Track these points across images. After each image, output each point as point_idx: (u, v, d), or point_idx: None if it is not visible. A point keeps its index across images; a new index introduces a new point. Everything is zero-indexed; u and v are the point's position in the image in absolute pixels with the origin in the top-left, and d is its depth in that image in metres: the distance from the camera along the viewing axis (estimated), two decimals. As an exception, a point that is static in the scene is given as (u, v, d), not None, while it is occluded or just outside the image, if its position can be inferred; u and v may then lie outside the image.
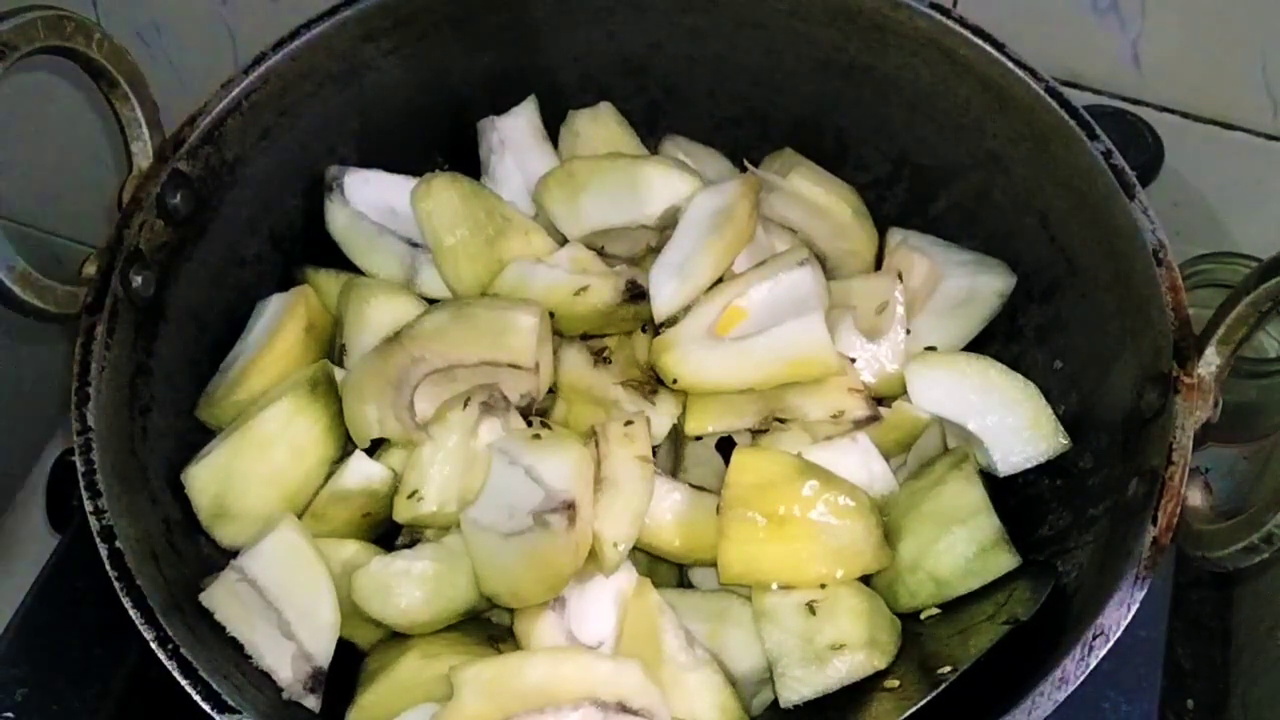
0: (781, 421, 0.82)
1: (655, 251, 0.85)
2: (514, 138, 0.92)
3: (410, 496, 0.78)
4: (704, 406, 0.82)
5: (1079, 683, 0.65)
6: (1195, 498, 0.68)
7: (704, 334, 0.82)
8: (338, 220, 0.90)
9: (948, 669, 0.71)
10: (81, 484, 0.71)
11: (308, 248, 0.91)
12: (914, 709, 0.70)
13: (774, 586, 0.76)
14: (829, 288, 0.88)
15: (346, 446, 0.82)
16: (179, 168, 0.80)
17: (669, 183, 0.86)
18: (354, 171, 0.90)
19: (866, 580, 0.79)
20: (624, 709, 0.70)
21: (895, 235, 0.92)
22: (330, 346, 0.87)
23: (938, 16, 0.82)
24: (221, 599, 0.75)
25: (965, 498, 0.79)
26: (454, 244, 0.85)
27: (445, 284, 0.87)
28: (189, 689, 0.66)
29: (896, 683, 0.74)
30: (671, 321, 0.83)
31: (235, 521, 0.79)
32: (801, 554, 0.76)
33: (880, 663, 0.74)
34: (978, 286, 0.87)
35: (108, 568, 0.69)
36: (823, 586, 0.76)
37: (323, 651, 0.75)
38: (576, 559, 0.73)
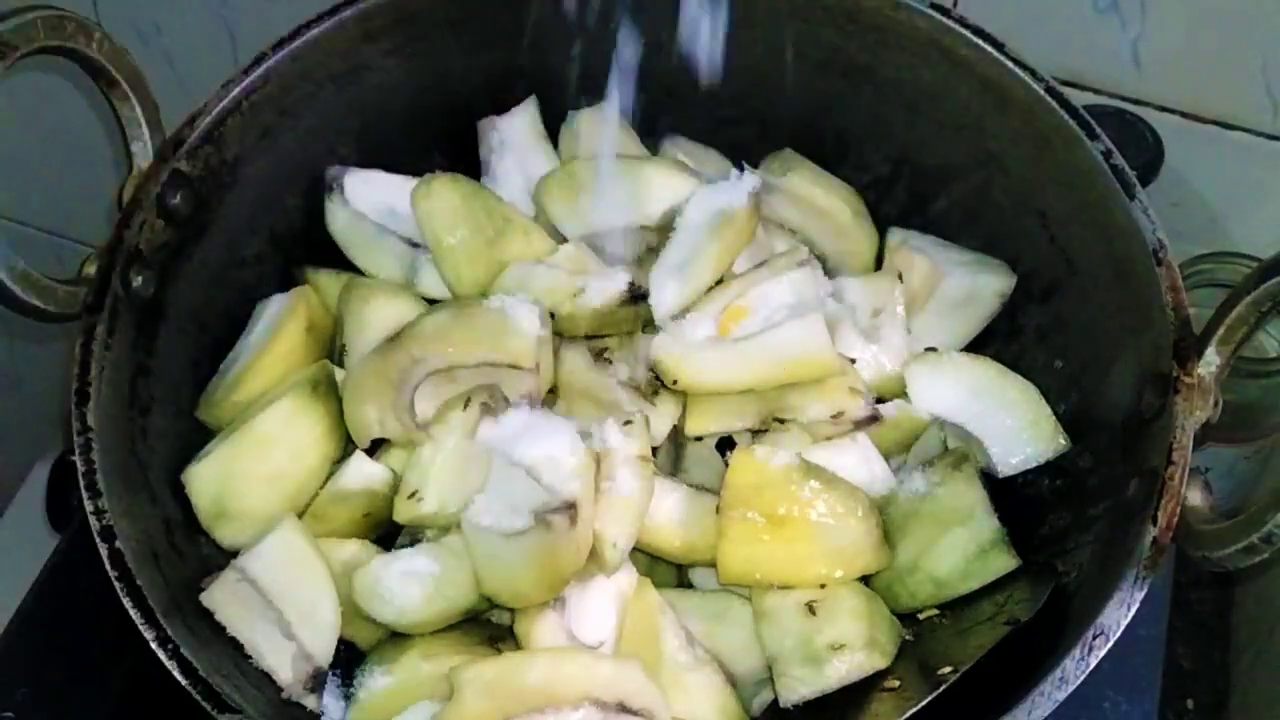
0: (781, 422, 0.82)
1: (655, 252, 0.85)
2: (514, 138, 0.92)
3: (410, 497, 0.78)
4: (704, 407, 0.82)
5: (1079, 682, 0.65)
6: (1195, 498, 0.68)
7: (704, 335, 0.81)
8: (338, 220, 0.90)
9: (948, 669, 0.71)
10: (81, 484, 0.71)
11: (308, 248, 0.91)
12: (914, 709, 0.70)
13: (774, 586, 0.76)
14: (829, 288, 0.88)
15: (347, 447, 0.82)
16: (179, 168, 0.80)
17: (669, 183, 0.86)
18: (354, 171, 0.90)
19: (866, 580, 0.79)
20: (624, 709, 0.70)
21: (895, 235, 0.92)
22: (331, 347, 0.87)
23: (938, 16, 0.82)
24: (222, 599, 0.75)
25: (965, 498, 0.79)
26: (454, 244, 0.85)
27: (445, 284, 0.87)
28: (189, 689, 0.66)
29: (896, 683, 0.74)
30: (672, 322, 0.82)
31: (235, 522, 0.79)
32: (801, 554, 0.76)
33: (880, 663, 0.74)
34: (978, 286, 0.88)
35: (108, 568, 0.69)
36: (822, 586, 0.76)
37: (323, 651, 0.75)
38: (578, 559, 0.73)
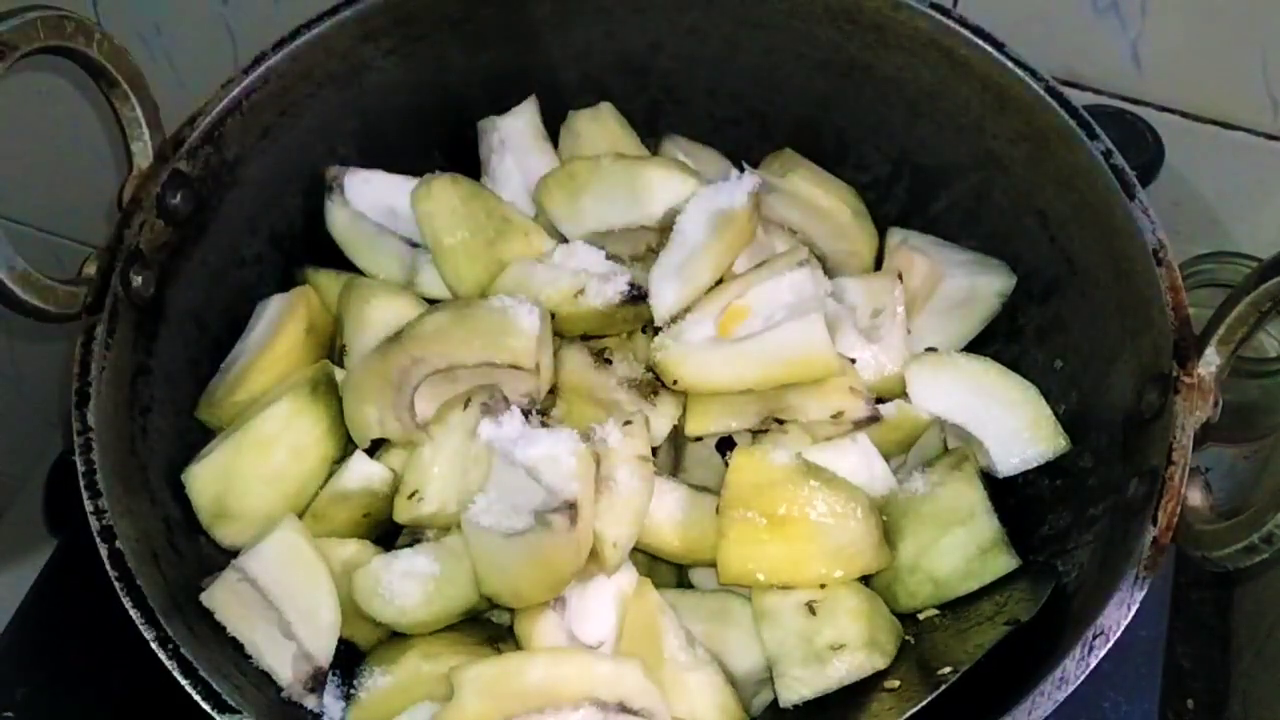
0: (781, 422, 0.82)
1: (655, 252, 0.85)
2: (514, 138, 0.92)
3: (410, 497, 0.78)
4: (704, 407, 0.82)
5: (1079, 682, 0.65)
6: (1195, 498, 0.68)
7: (704, 335, 0.81)
8: (338, 220, 0.90)
9: (948, 669, 0.72)
10: (82, 484, 0.71)
11: (308, 248, 0.91)
12: (914, 709, 0.70)
13: (774, 586, 0.76)
14: (829, 288, 0.88)
15: (347, 447, 0.82)
16: (179, 168, 0.80)
17: (669, 184, 0.86)
18: (354, 171, 0.90)
19: (866, 580, 0.79)
20: (624, 709, 0.70)
21: (895, 235, 0.92)
22: (331, 347, 0.87)
23: (938, 16, 0.82)
24: (222, 599, 0.75)
25: (965, 499, 0.79)
26: (454, 245, 0.85)
27: (445, 284, 0.86)
28: (189, 689, 0.66)
29: (896, 683, 0.74)
30: (672, 322, 0.82)
31: (235, 522, 0.79)
32: (801, 554, 0.76)
33: (880, 663, 0.74)
34: (978, 286, 0.88)
35: (108, 568, 0.69)
36: (822, 586, 0.76)
37: (323, 652, 0.75)
38: (578, 559, 0.73)
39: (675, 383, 0.80)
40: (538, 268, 0.85)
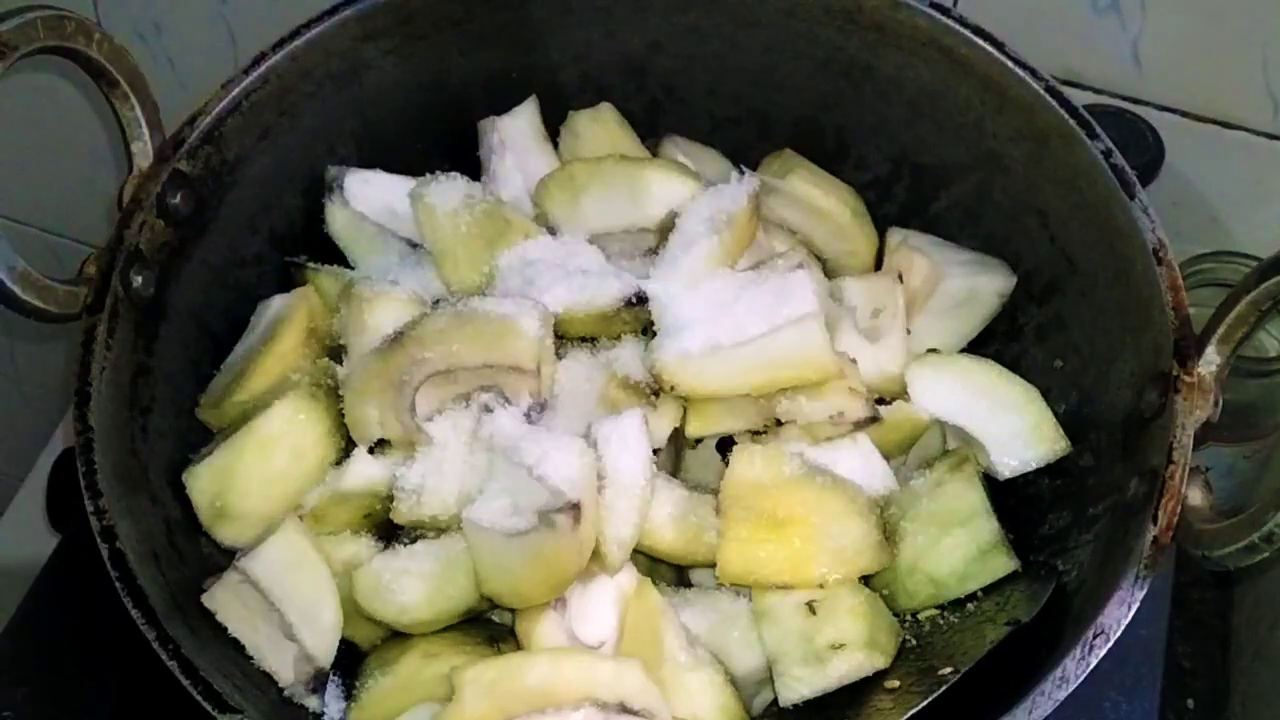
0: (781, 423, 0.82)
1: (655, 253, 0.85)
2: (514, 138, 0.92)
3: (411, 497, 0.78)
4: (704, 409, 0.82)
5: (1079, 682, 0.65)
6: (1196, 497, 0.68)
7: (703, 340, 0.81)
8: (338, 220, 0.90)
9: (948, 669, 0.71)
10: (82, 484, 0.71)
11: (308, 248, 0.91)
12: (914, 709, 0.70)
13: (774, 586, 0.76)
14: (828, 289, 0.88)
15: (347, 447, 0.82)
16: (179, 168, 0.80)
17: (669, 186, 0.86)
18: (354, 171, 0.90)
19: (866, 580, 0.79)
20: (625, 710, 0.70)
21: (895, 235, 0.92)
22: (331, 347, 0.87)
23: (938, 16, 0.82)
24: (223, 600, 0.75)
25: (965, 500, 0.79)
26: (454, 245, 0.85)
27: (445, 285, 0.86)
28: (190, 689, 0.66)
29: (896, 683, 0.74)
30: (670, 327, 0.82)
31: (236, 522, 0.79)
32: (801, 554, 0.76)
33: (880, 663, 0.74)
34: (978, 286, 0.88)
35: (109, 568, 0.69)
36: (822, 586, 0.76)
37: (324, 653, 0.75)
38: (581, 559, 0.73)
39: (673, 389, 0.80)
40: (539, 267, 0.85)
